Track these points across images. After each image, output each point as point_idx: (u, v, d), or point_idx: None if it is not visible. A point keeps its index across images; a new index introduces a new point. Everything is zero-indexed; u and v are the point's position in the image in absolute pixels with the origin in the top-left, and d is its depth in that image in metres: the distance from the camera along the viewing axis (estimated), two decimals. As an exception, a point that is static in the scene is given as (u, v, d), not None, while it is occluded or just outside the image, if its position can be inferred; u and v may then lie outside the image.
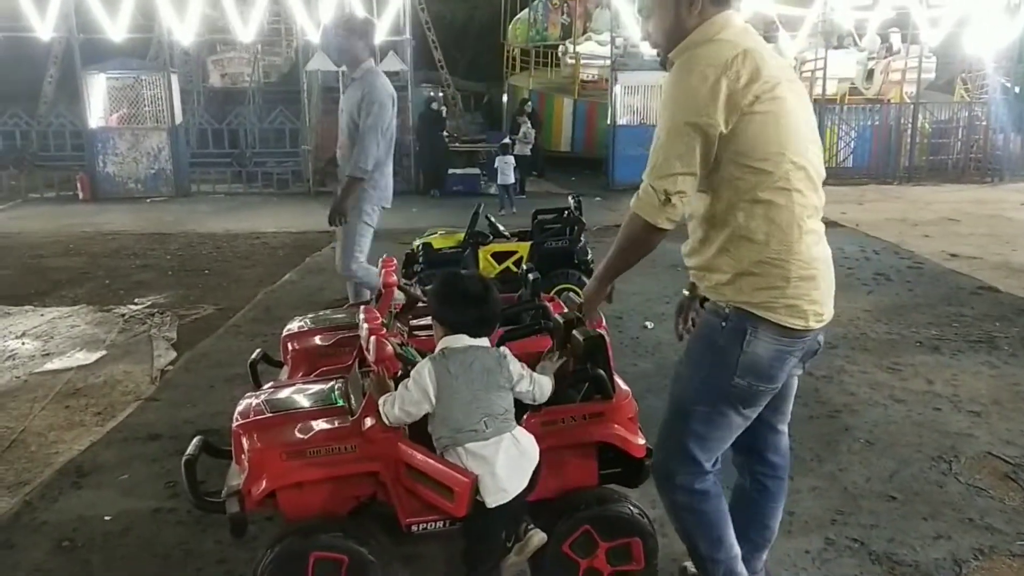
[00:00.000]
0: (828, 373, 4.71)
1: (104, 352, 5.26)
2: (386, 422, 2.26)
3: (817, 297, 2.06)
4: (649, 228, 2.03)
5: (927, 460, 3.60)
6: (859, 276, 7.31)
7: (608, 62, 14.77)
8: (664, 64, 2.17)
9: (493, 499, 2.19)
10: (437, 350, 2.28)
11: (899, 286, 6.94)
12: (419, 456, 2.27)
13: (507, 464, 2.20)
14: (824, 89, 14.83)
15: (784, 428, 2.43)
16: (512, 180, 11.94)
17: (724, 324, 2.09)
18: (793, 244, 2.02)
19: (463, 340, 2.26)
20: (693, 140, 1.96)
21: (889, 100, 15.87)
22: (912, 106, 15.10)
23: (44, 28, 13.23)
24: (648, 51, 14.43)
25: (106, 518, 3.13)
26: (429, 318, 3.41)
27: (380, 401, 2.27)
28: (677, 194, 1.99)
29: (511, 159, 11.97)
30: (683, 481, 2.24)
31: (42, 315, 6.18)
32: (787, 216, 2.01)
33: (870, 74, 16.52)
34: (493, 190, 12.63)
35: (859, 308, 6.17)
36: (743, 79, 1.94)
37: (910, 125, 15.05)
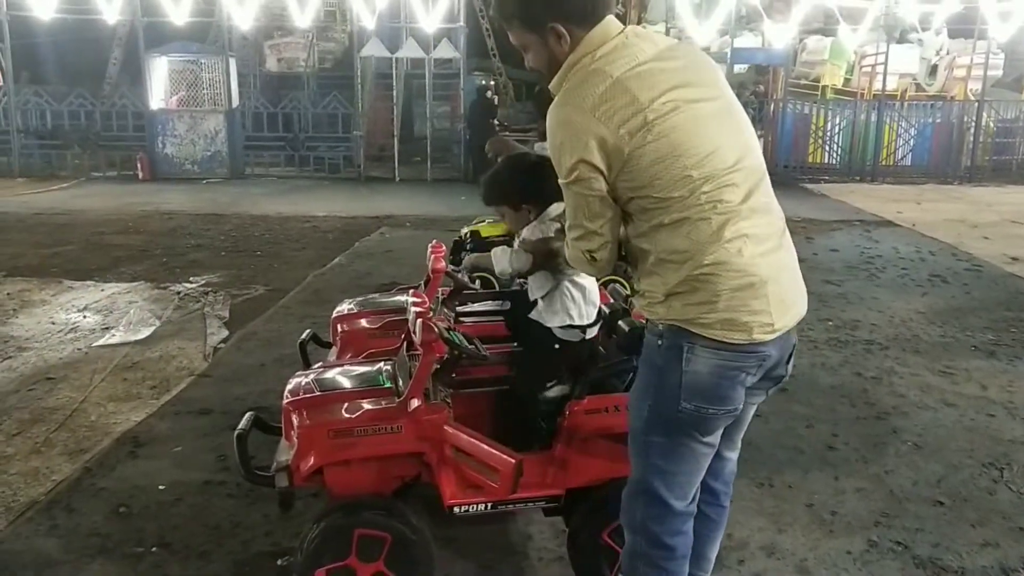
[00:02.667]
0: (877, 374, 4.63)
1: (160, 328, 5.43)
2: (513, 269, 2.55)
3: (760, 307, 1.83)
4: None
5: (977, 466, 3.52)
6: (913, 277, 7.14)
7: (662, 53, 14.57)
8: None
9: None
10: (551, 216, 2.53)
11: (955, 288, 6.77)
12: (465, 437, 2.31)
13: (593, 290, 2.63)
14: (884, 84, 14.47)
15: (732, 455, 2.19)
16: None
17: (660, 342, 1.91)
18: (719, 255, 1.81)
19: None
20: (586, 196, 1.86)
21: (952, 97, 15.42)
22: (977, 104, 14.64)
23: (110, 11, 13.60)
24: (703, 41, 14.11)
25: (160, 487, 3.25)
26: (476, 305, 3.47)
27: (503, 251, 2.54)
28: (599, 249, 1.92)
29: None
30: (652, 529, 2.00)
31: (102, 290, 6.39)
32: (705, 229, 1.81)
33: (933, 70, 16.06)
34: None
35: (912, 309, 6.04)
36: (616, 117, 1.77)
37: (974, 123, 14.60)
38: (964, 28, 15.59)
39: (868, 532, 2.98)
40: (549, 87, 1.94)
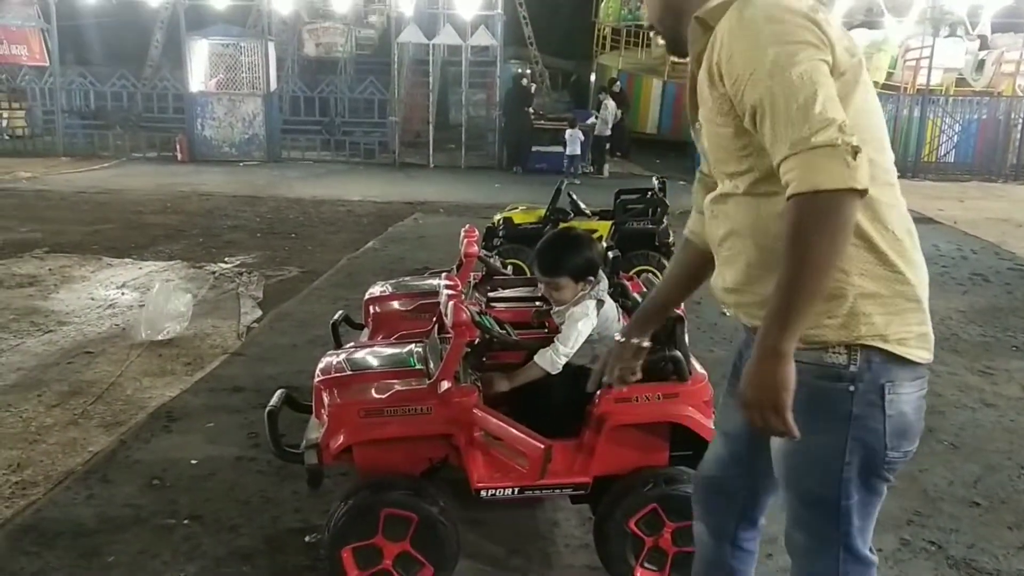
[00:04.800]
0: (914, 372, 4.54)
1: (195, 306, 5.50)
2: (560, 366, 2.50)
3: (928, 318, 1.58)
4: (844, 199, 1.32)
5: (1016, 468, 3.44)
6: (954, 275, 6.99)
7: (701, 43, 14.40)
8: (673, 46, 1.67)
9: None
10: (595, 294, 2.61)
11: (997, 288, 6.61)
12: (494, 421, 2.31)
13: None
14: (929, 79, 14.15)
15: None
16: (577, 151, 12.92)
17: (853, 386, 1.50)
18: (910, 252, 1.52)
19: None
20: (818, 73, 1.36)
21: (1000, 93, 15.03)
22: (1025, 100, 14.27)
23: (153, -6, 13.78)
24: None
25: (192, 462, 3.30)
26: (507, 291, 3.47)
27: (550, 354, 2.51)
28: (857, 142, 1.32)
29: (579, 132, 12.89)
30: None
31: (140, 268, 6.50)
32: (898, 216, 1.51)
33: (980, 64, 15.66)
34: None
35: (952, 308, 5.92)
36: (834, 33, 1.43)
37: (1021, 120, 14.23)
38: (1014, 22, 15.18)
39: (901, 531, 2.92)
40: (699, 14, 1.54)
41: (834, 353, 1.50)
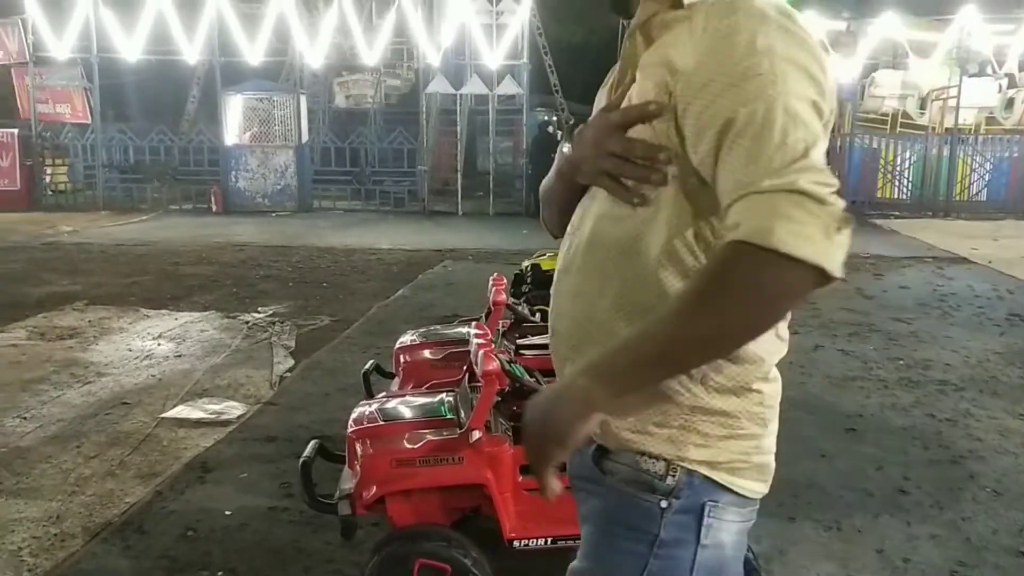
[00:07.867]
0: (953, 416, 4.45)
1: (229, 356, 5.58)
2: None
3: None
4: (808, 279, 0.94)
5: (1062, 516, 3.35)
6: (991, 316, 6.87)
7: (725, 87, 14.54)
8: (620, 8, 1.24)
9: None
10: None
11: (1036, 328, 6.49)
12: None
13: None
14: (956, 118, 14.10)
15: None
16: None
17: (667, 502, 1.15)
18: (773, 357, 1.18)
19: None
20: (819, 129, 1.03)
21: (1031, 130, 14.92)
22: (1057, 137, 14.14)
23: (191, 52, 14.27)
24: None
25: (226, 512, 3.32)
26: (536, 337, 3.49)
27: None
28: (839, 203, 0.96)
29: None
30: None
31: (176, 319, 6.62)
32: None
33: (1010, 103, 15.58)
34: None
35: (990, 350, 5.81)
36: (829, 81, 1.07)
37: (1054, 157, 14.09)
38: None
39: (944, 582, 2.85)
40: None
41: (651, 459, 1.16)
